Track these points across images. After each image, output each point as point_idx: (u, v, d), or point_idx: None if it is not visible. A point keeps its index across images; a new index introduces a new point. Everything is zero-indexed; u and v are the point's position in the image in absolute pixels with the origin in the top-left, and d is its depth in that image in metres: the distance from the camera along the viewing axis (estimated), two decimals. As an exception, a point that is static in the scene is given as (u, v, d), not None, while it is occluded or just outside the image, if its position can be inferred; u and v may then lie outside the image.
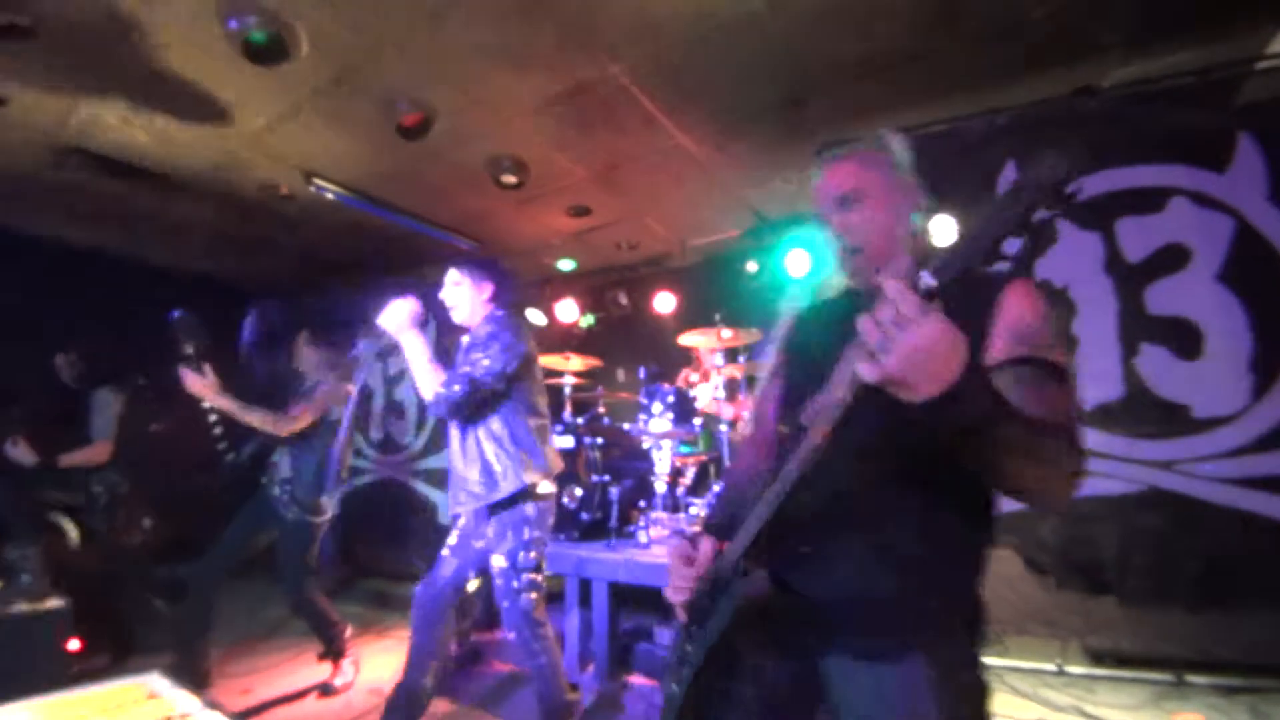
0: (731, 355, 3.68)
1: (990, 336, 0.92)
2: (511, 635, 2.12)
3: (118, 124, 2.87)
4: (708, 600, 1.07)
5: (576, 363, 4.02)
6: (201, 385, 2.70)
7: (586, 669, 3.05)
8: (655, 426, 3.34)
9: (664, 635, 2.99)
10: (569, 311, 5.09)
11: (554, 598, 4.28)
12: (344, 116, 2.88)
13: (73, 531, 3.07)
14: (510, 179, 3.32)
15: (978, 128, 2.98)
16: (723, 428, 3.43)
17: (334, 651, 2.89)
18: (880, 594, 0.95)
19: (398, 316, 1.99)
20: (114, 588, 3.33)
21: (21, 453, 3.00)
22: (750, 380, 3.98)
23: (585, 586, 3.06)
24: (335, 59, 2.47)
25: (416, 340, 1.99)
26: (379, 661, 3.14)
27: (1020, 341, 0.90)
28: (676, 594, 1.11)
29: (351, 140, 3.09)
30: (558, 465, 2.26)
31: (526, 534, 2.08)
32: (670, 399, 3.39)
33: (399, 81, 2.64)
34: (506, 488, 2.05)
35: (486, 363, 1.99)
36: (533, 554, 2.10)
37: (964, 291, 0.72)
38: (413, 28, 2.34)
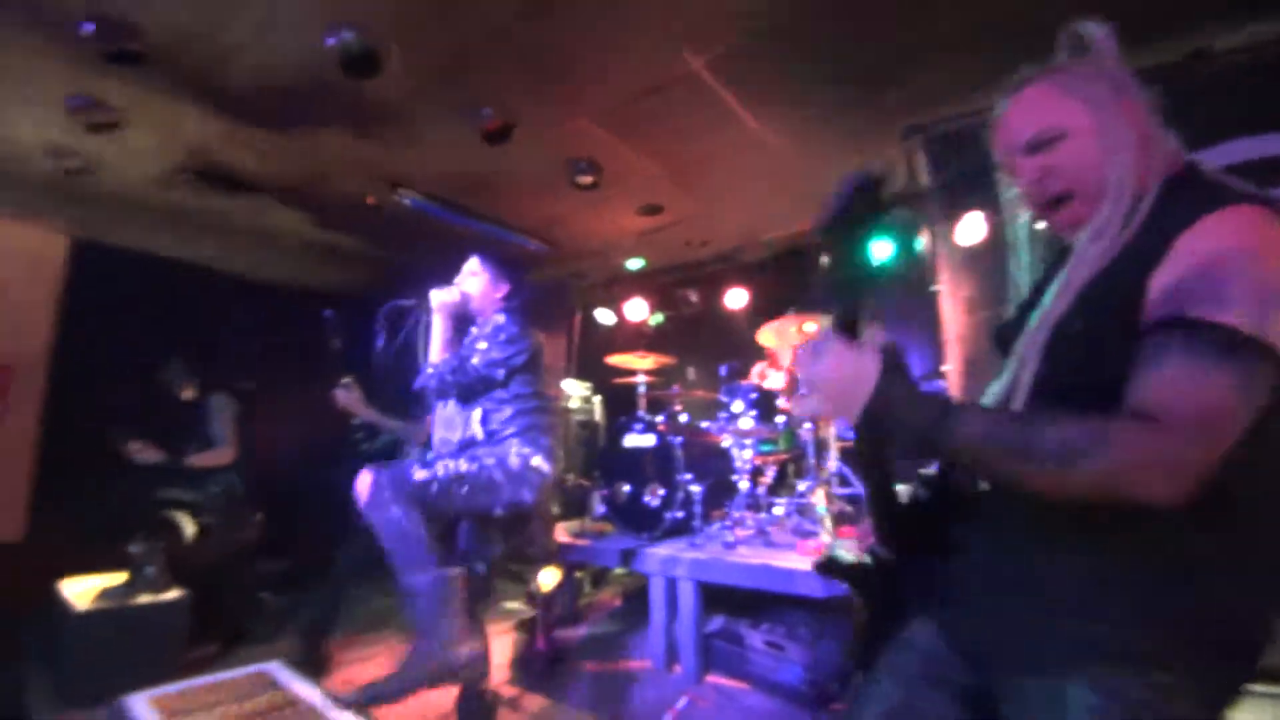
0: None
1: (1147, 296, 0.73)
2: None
3: (221, 143, 3.05)
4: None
5: (648, 361, 4.01)
6: (351, 401, 3.15)
7: (673, 669, 3.03)
8: (739, 424, 3.28)
9: (753, 638, 2.92)
10: (638, 310, 5.09)
11: (638, 595, 4.34)
12: (428, 126, 2.96)
13: (189, 528, 3.30)
14: (586, 180, 3.34)
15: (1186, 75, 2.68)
16: (806, 426, 3.33)
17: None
18: (1030, 618, 0.81)
19: (444, 298, 2.23)
20: (223, 581, 3.56)
21: (148, 453, 3.25)
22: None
23: (671, 586, 3.04)
24: (423, 69, 2.54)
25: (442, 324, 2.21)
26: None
27: (1173, 298, 0.71)
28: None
29: (434, 149, 3.18)
30: (549, 465, 2.21)
31: (472, 458, 2.00)
32: (752, 396, 3.32)
33: (483, 88, 2.69)
34: (485, 434, 2.13)
35: (484, 346, 2.14)
36: (454, 470, 1.95)
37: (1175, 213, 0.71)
38: (498, 34, 2.37)
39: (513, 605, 4.20)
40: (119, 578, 2.94)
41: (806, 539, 3.06)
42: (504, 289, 2.36)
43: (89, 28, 2.18)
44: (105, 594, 2.79)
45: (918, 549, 0.99)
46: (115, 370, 4.13)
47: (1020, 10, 2.36)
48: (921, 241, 3.51)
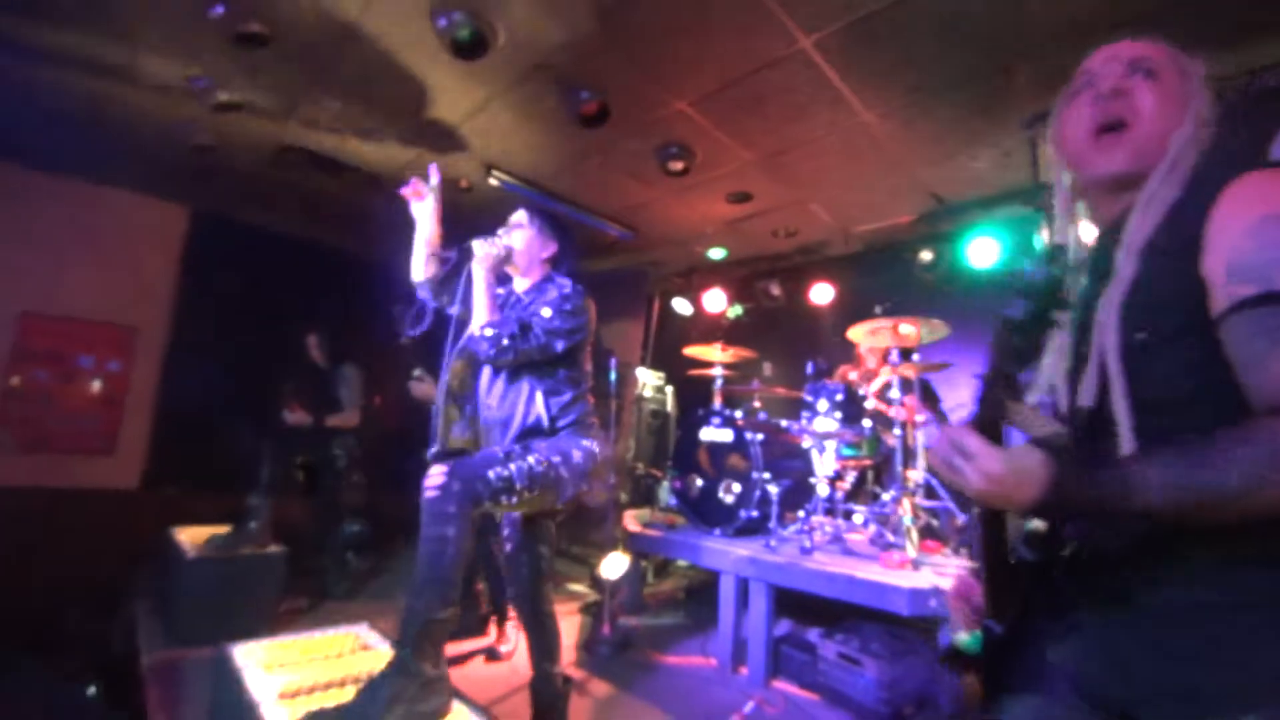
0: (905, 354, 3.36)
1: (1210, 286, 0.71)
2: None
3: (330, 123, 3.17)
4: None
5: (727, 354, 3.91)
6: (424, 391, 3.17)
7: (739, 670, 2.96)
8: (820, 425, 3.15)
9: (826, 648, 2.81)
10: (716, 301, 4.99)
11: (702, 589, 4.29)
12: (527, 109, 2.97)
13: (301, 485, 3.55)
14: (677, 165, 3.26)
15: (1238, 89, 2.49)
16: (895, 432, 3.15)
17: (500, 615, 3.05)
18: (1184, 657, 0.75)
19: (488, 249, 1.95)
20: (317, 538, 3.77)
21: (299, 416, 3.56)
22: (923, 384, 3.64)
23: (742, 586, 2.97)
24: (527, 51, 2.53)
25: (485, 280, 1.92)
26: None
27: (1240, 274, 0.68)
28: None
29: (530, 132, 3.19)
30: (604, 452, 2.04)
31: (540, 456, 1.77)
32: (838, 397, 3.18)
33: (583, 71, 2.66)
34: (548, 421, 1.89)
35: (548, 313, 1.88)
36: (527, 473, 1.73)
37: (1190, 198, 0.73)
38: (604, 15, 2.33)
39: (577, 587, 4.25)
40: (225, 529, 3.16)
41: (889, 551, 2.90)
42: (551, 249, 2.09)
43: (219, 10, 2.28)
44: (212, 543, 3.00)
45: (1032, 611, 0.91)
46: (228, 334, 4.45)
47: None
48: (1041, 240, 3.23)
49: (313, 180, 3.79)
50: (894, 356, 3.24)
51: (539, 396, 1.89)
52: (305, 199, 4.19)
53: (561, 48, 2.52)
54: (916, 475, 3.29)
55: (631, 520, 3.70)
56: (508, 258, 2.01)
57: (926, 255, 4.06)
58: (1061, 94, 0.94)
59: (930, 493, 3.36)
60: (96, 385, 4.33)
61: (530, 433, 1.89)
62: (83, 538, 3.95)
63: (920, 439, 3.36)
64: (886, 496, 3.29)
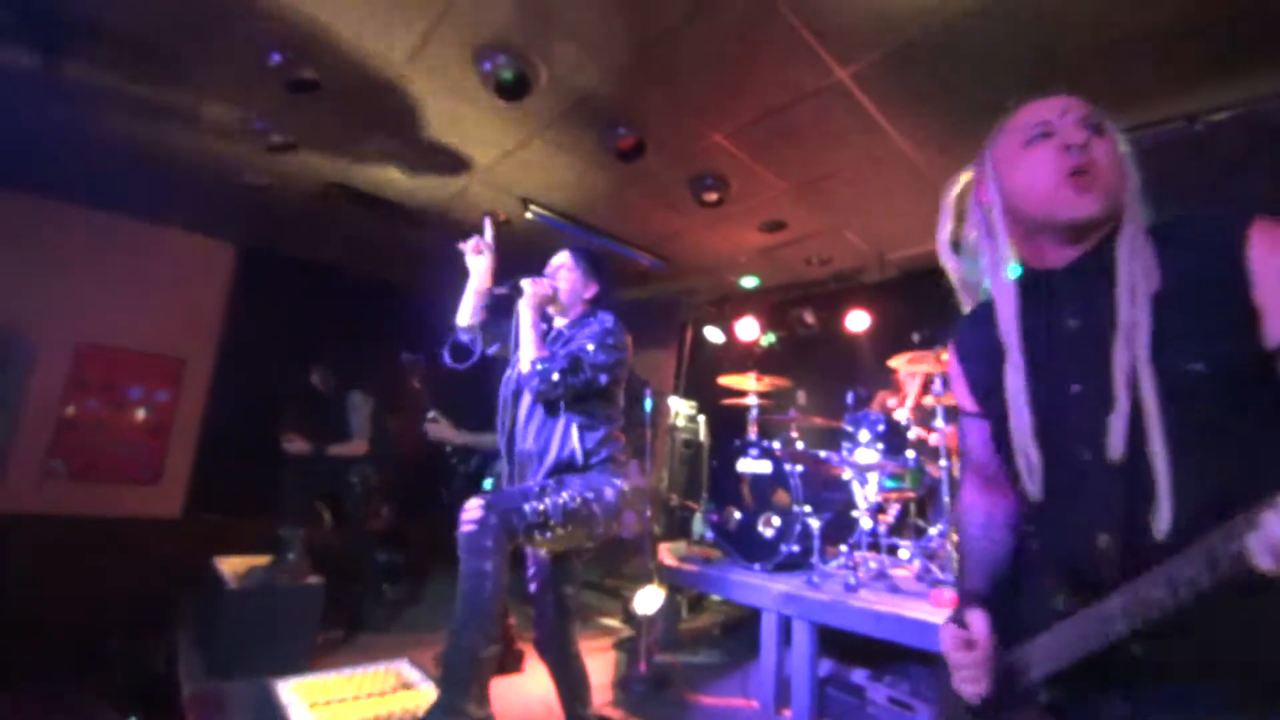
0: (947, 382, 3.28)
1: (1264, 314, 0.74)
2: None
3: (375, 162, 3.28)
4: (1000, 701, 0.92)
5: (762, 383, 3.86)
6: (442, 432, 3.19)
7: (782, 712, 2.84)
8: (862, 457, 3.07)
9: (875, 692, 2.69)
10: (749, 330, 4.95)
11: (739, 625, 4.17)
12: (564, 144, 3.03)
13: (327, 515, 3.54)
14: (712, 196, 3.28)
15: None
16: (941, 463, 3.05)
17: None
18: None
19: (537, 290, 1.98)
20: (351, 568, 3.77)
21: (297, 445, 3.53)
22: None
23: (784, 624, 2.87)
24: (567, 90, 2.60)
25: (532, 317, 1.95)
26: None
27: None
28: (971, 686, 0.94)
29: (566, 167, 3.26)
30: (637, 485, 2.06)
31: (574, 492, 1.79)
32: (880, 428, 3.10)
33: (621, 107, 2.71)
34: (582, 456, 1.89)
35: (592, 348, 1.90)
36: (561, 508, 1.74)
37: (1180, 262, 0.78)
38: (644, 52, 2.38)
39: (610, 622, 4.16)
40: (264, 559, 3.18)
41: (938, 589, 2.78)
42: (593, 289, 2.14)
43: (276, 58, 2.39)
44: (252, 574, 3.02)
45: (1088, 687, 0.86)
46: (270, 365, 4.56)
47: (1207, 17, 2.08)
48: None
49: (355, 215, 3.90)
50: (937, 385, 3.16)
51: (574, 430, 1.89)
52: (347, 233, 4.32)
53: (601, 85, 2.58)
54: (963, 508, 3.17)
55: (667, 553, 3.63)
56: (554, 298, 2.06)
57: (964, 282, 3.98)
58: (1003, 134, 0.98)
59: (978, 527, 3.23)
60: (145, 415, 4.46)
61: (564, 467, 1.89)
62: (127, 564, 4.03)
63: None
64: (933, 530, 3.18)
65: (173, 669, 2.95)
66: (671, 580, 3.50)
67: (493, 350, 2.13)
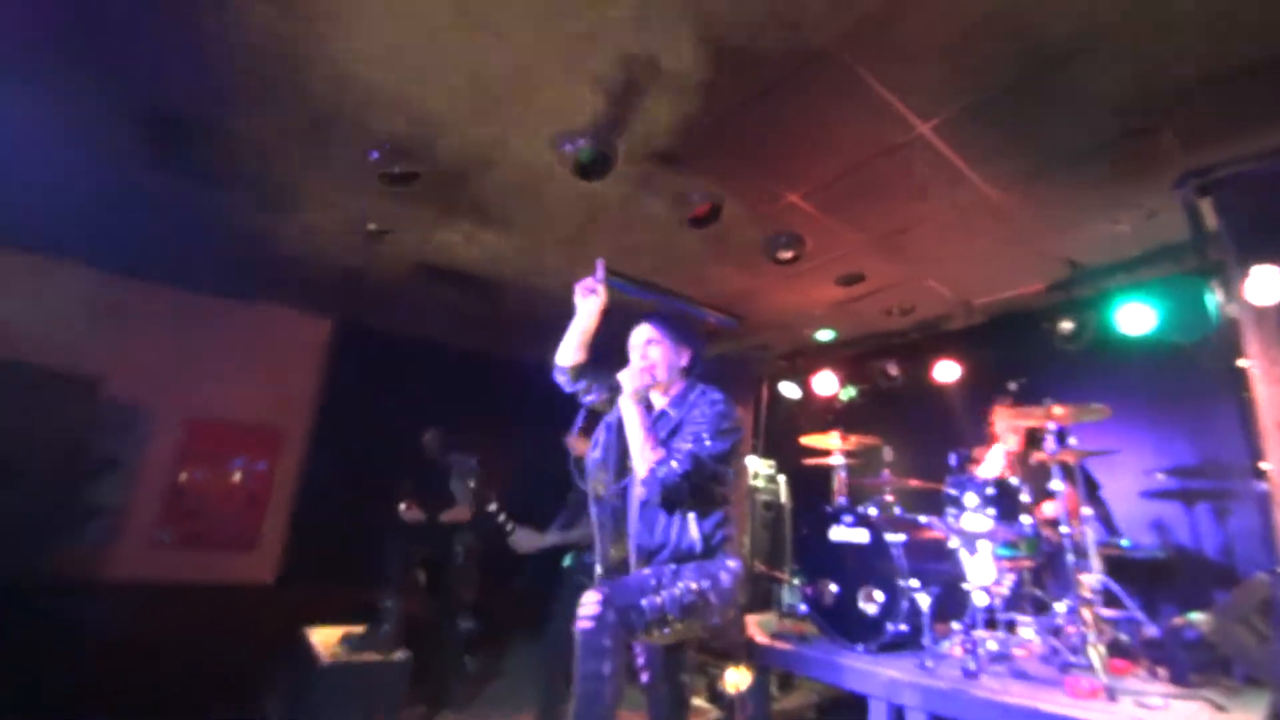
0: (1061, 437, 2.99)
1: None
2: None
3: (460, 243, 3.45)
4: None
5: (844, 441, 3.65)
6: (530, 541, 3.18)
7: (901, 819, 2.53)
8: (971, 523, 2.82)
9: (1011, 798, 2.36)
10: (828, 384, 4.78)
11: (834, 707, 3.84)
12: (639, 214, 3.10)
13: (423, 582, 3.57)
14: (786, 255, 3.24)
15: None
16: (1063, 529, 2.76)
17: None
18: None
19: (636, 381, 1.89)
20: (437, 638, 3.75)
21: (414, 514, 3.62)
22: (1074, 470, 3.20)
23: (896, 713, 2.60)
24: (644, 164, 2.66)
25: (637, 410, 1.85)
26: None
27: None
28: None
29: (640, 234, 3.31)
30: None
31: (689, 583, 1.69)
32: (989, 491, 2.85)
33: (697, 173, 2.75)
34: (702, 544, 1.79)
35: (709, 440, 1.77)
36: (678, 602, 1.65)
37: None
38: (721, 121, 2.41)
39: (698, 702, 3.92)
40: (355, 630, 3.21)
41: (1074, 675, 2.46)
42: (686, 355, 2.03)
43: (375, 155, 2.58)
44: (344, 646, 3.04)
45: None
46: (362, 435, 4.76)
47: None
48: (1216, 304, 2.87)
49: (443, 291, 4.09)
50: (1050, 442, 2.89)
51: (692, 521, 1.80)
52: (436, 306, 4.53)
53: (677, 156, 2.62)
54: (1092, 579, 2.84)
55: (756, 629, 3.41)
56: (654, 384, 1.96)
57: (1067, 325, 3.71)
58: None
59: (1111, 600, 2.87)
60: (245, 483, 4.71)
61: (683, 558, 1.79)
62: (223, 631, 4.16)
63: (1090, 536, 2.93)
64: (1059, 606, 2.84)
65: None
66: (763, 659, 3.27)
67: (591, 399, 2.08)
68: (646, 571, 1.73)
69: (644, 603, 1.59)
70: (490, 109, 2.37)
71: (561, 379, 2.11)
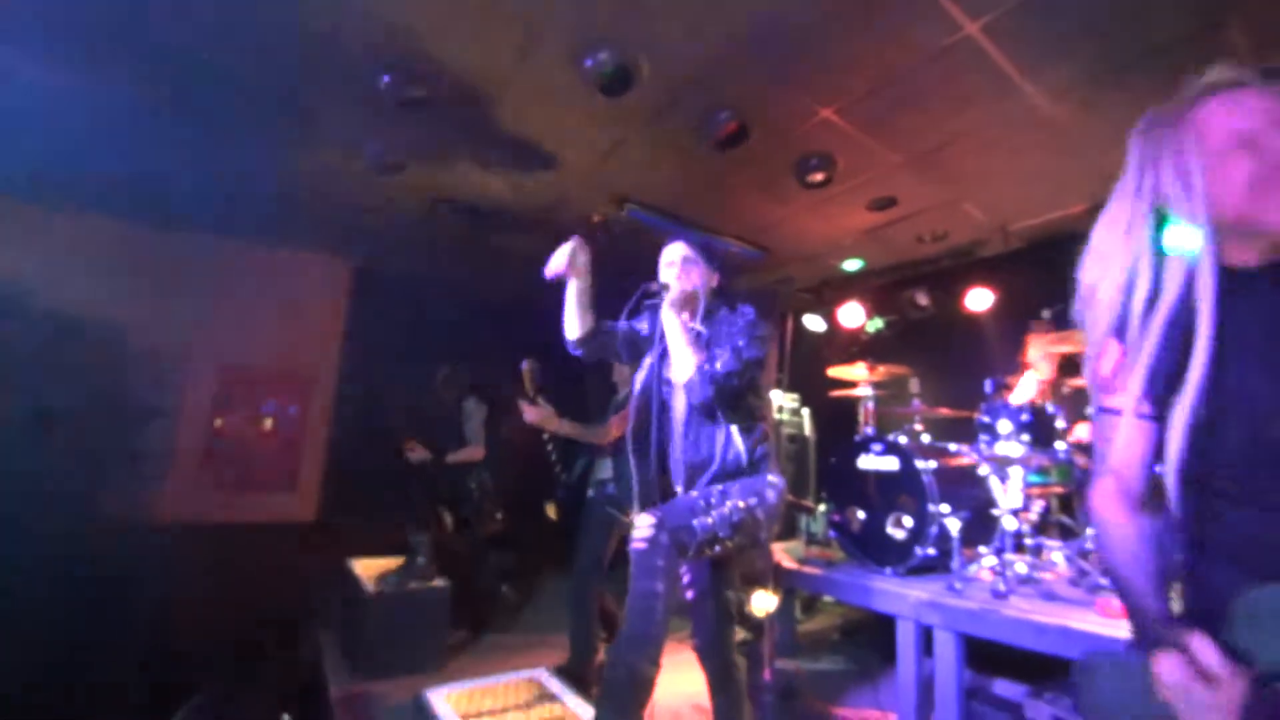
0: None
1: None
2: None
3: (479, 175, 3.33)
4: None
5: (871, 373, 3.59)
6: (540, 416, 3.11)
7: (927, 731, 2.64)
8: (1005, 450, 2.79)
9: (1037, 711, 2.43)
10: (854, 315, 4.68)
11: (858, 629, 3.96)
12: (664, 138, 2.95)
13: (449, 520, 3.66)
14: (817, 177, 3.09)
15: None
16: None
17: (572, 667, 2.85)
18: None
19: (682, 285, 1.91)
20: (471, 571, 3.90)
21: (418, 453, 3.67)
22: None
23: (924, 633, 2.66)
24: (668, 80, 2.50)
25: (680, 318, 1.86)
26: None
27: None
28: None
29: (665, 161, 3.17)
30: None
31: (738, 501, 1.73)
32: (1024, 418, 2.80)
33: (724, 91, 2.59)
34: (747, 458, 1.82)
35: (743, 344, 1.80)
36: (728, 521, 1.70)
37: None
38: (752, 30, 2.24)
39: (725, 624, 4.06)
40: (394, 562, 3.33)
41: (1105, 597, 2.47)
42: (715, 278, 2.05)
43: (386, 79, 2.45)
44: (386, 578, 3.17)
45: None
46: (387, 376, 4.81)
47: None
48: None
49: (461, 227, 4.01)
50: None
51: (735, 435, 1.82)
52: (455, 245, 4.45)
53: (704, 70, 2.46)
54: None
55: (783, 554, 3.48)
56: (696, 295, 1.95)
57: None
58: (1187, 127, 0.92)
59: (1143, 525, 2.86)
60: (280, 428, 4.82)
61: (729, 473, 1.82)
62: (270, 567, 4.36)
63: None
64: (1090, 531, 2.84)
65: (318, 670, 3.15)
66: (789, 583, 3.35)
67: (627, 356, 2.08)
68: (695, 494, 1.75)
69: (695, 523, 1.62)
70: (498, 20, 2.22)
71: (580, 352, 2.07)
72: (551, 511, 3.33)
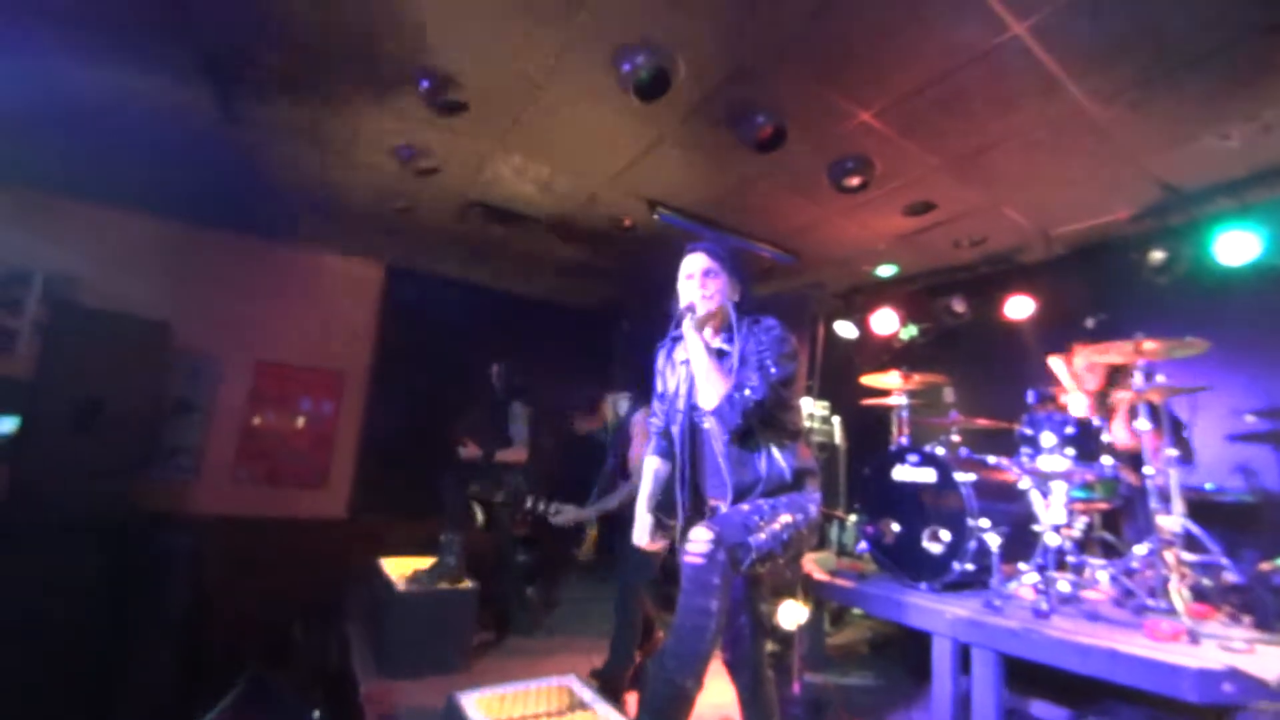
0: (1150, 374, 2.79)
1: None
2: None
3: (512, 178, 3.36)
4: None
5: (906, 381, 3.51)
6: (573, 516, 3.23)
7: (965, 753, 2.55)
8: (1048, 464, 2.70)
9: (1081, 735, 2.34)
10: (887, 322, 4.59)
11: (888, 644, 3.87)
12: (697, 141, 2.93)
13: (480, 518, 3.68)
14: (853, 181, 3.03)
15: None
16: (1147, 470, 2.61)
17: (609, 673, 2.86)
18: None
19: (704, 306, 1.84)
20: (497, 570, 3.91)
21: (470, 451, 3.70)
22: (1158, 410, 3.00)
23: (961, 651, 2.58)
24: (704, 83, 2.49)
25: (702, 340, 1.80)
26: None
27: None
28: None
29: (697, 165, 3.15)
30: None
31: (786, 517, 1.70)
32: (1068, 430, 2.70)
33: (761, 94, 2.56)
34: (791, 474, 1.77)
35: (771, 365, 1.74)
36: (779, 538, 1.67)
37: None
38: (791, 30, 2.21)
39: (752, 634, 4.01)
40: (425, 561, 3.35)
41: (1154, 619, 2.37)
42: (739, 289, 1.95)
43: (425, 83, 2.48)
44: (416, 577, 3.19)
45: None
46: (419, 376, 4.87)
47: None
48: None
49: (493, 231, 4.04)
50: (1138, 379, 2.70)
51: (776, 452, 1.77)
52: (488, 247, 4.50)
53: (740, 73, 2.44)
54: (1172, 522, 2.70)
55: (814, 566, 3.41)
56: (718, 314, 1.87)
57: (1158, 255, 3.41)
58: None
59: (1192, 544, 2.74)
60: (313, 424, 4.91)
61: (774, 490, 1.76)
62: (301, 561, 4.44)
63: (1174, 478, 2.77)
64: (1138, 550, 2.73)
65: (347, 664, 3.18)
66: (819, 595, 3.29)
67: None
68: (746, 508, 1.71)
69: (751, 541, 1.60)
70: (537, 23, 2.23)
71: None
72: (582, 554, 3.40)
